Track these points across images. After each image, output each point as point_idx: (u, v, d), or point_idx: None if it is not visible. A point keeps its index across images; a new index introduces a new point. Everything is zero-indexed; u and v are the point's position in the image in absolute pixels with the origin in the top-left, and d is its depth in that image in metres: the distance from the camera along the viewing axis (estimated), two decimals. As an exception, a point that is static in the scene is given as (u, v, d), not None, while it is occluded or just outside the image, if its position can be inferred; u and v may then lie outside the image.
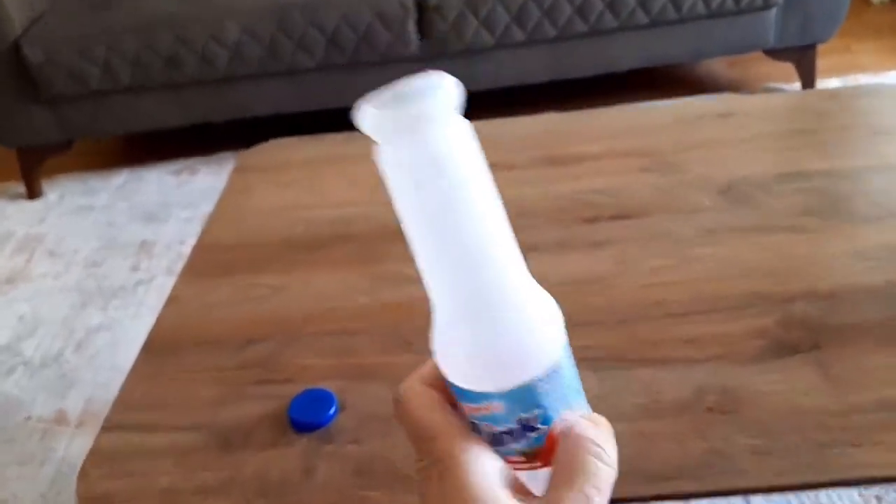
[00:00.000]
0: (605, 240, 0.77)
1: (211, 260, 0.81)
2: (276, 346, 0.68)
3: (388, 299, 0.72)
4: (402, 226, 0.29)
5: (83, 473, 0.56)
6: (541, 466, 0.30)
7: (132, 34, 1.74)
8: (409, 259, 0.79)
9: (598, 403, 0.57)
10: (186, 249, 1.67)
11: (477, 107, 2.44)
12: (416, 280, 0.73)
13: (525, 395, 0.28)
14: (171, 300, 0.75)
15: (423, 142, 0.26)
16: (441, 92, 0.25)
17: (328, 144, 1.04)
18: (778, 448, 0.52)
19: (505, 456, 0.30)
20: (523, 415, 0.29)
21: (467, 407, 0.30)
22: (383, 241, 0.81)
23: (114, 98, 1.83)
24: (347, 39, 1.80)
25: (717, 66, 2.33)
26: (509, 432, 0.29)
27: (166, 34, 1.75)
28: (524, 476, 0.30)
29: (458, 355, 0.29)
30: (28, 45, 1.73)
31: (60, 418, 1.25)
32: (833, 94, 1.05)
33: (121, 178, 2.01)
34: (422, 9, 1.81)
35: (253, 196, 0.93)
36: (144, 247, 1.71)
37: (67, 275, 1.63)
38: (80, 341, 1.43)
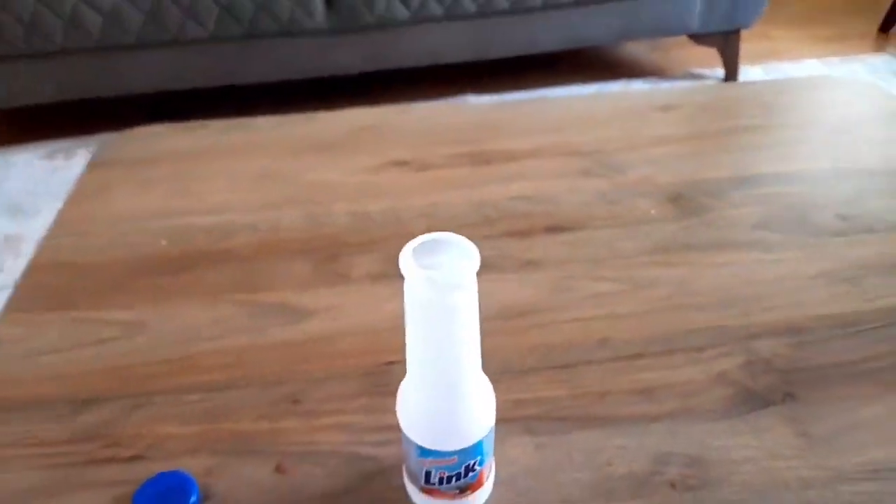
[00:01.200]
0: (539, 258, 0.65)
1: (45, 287, 0.63)
2: (122, 409, 0.52)
3: (273, 339, 0.57)
4: (406, 328, 0.37)
5: None
6: (469, 494, 0.43)
7: (-17, -7, 1.48)
8: (299, 285, 0.63)
9: (535, 480, 0.45)
10: (57, 247, 1.45)
11: (388, 87, 2.27)
12: (308, 314, 0.59)
13: (473, 450, 0.41)
14: (-15, 344, 0.57)
15: (451, 300, 0.36)
16: (470, 265, 0.35)
17: (207, 133, 0.87)
18: (759, 542, 0.42)
19: (446, 492, 0.42)
20: (469, 462, 0.41)
21: (428, 461, 0.41)
22: (269, 259, 0.66)
23: (-36, 68, 1.56)
24: (244, 8, 1.60)
25: (640, 50, 2.27)
26: (457, 476, 0.41)
27: (27, -6, 1.49)
28: None
29: (431, 427, 0.40)
30: None
31: None
32: (779, 86, 0.97)
33: (-21, 162, 1.74)
34: (330, -24, 1.63)
35: (109, 199, 0.75)
36: (9, 244, 1.47)
37: None
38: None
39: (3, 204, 1.59)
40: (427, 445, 0.40)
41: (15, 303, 0.62)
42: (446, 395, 0.39)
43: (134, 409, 0.52)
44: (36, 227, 1.51)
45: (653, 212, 0.70)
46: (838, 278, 0.61)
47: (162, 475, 0.46)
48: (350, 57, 1.73)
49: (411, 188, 0.75)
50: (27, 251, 1.45)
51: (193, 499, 0.45)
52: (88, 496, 0.46)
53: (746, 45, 2.10)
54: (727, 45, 1.97)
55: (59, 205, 1.56)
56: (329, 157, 0.81)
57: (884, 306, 0.58)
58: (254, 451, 0.49)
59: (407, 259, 0.34)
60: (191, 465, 0.47)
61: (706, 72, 2.10)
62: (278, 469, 0.47)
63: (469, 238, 0.37)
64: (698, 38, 1.96)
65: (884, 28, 2.30)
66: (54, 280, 0.64)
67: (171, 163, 0.80)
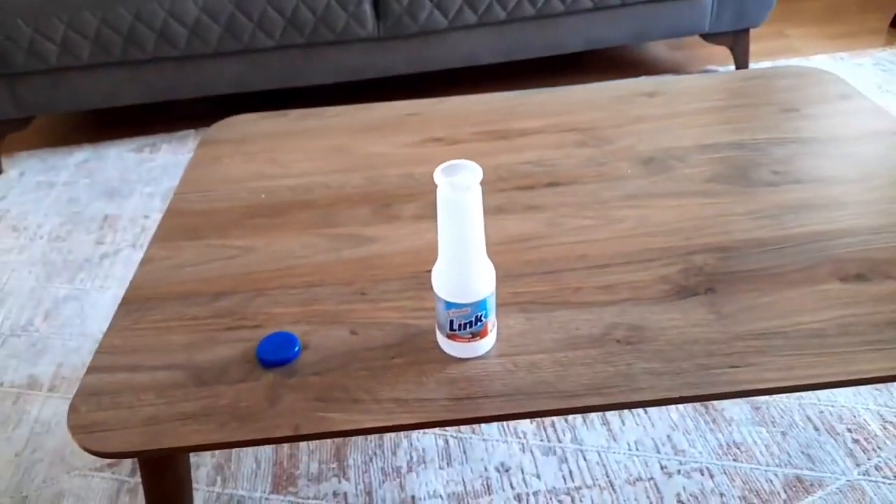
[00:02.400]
0: (539, 205, 0.87)
1: (180, 225, 0.88)
2: (244, 299, 0.75)
3: (345, 257, 0.81)
4: (438, 222, 0.62)
5: (73, 408, 0.64)
6: (479, 340, 0.65)
7: (91, 10, 1.76)
8: (363, 223, 0.89)
9: (524, 338, 0.67)
10: (150, 223, 1.72)
11: (429, 86, 2.53)
12: (370, 240, 0.83)
13: (480, 304, 0.63)
14: (145, 261, 0.82)
15: (464, 197, 0.60)
16: (476, 175, 0.59)
17: (288, 120, 1.11)
18: (670, 370, 0.63)
19: (462, 336, 0.65)
20: (479, 313, 0.64)
21: (451, 312, 0.64)
22: (340, 207, 0.89)
23: (72, 75, 1.85)
24: (305, 20, 1.86)
25: (659, 49, 2.45)
26: (469, 323, 0.64)
27: (125, 11, 1.77)
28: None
29: (451, 286, 0.63)
30: (-16, 21, 1.73)
31: (32, 383, 1.31)
32: (748, 74, 1.16)
33: (82, 155, 2.04)
34: (378, -10, 1.87)
35: (218, 167, 0.99)
36: (108, 221, 1.75)
37: (32, 248, 1.67)
38: (48, 311, 1.47)
39: (101, 189, 1.88)
40: (450, 299, 0.62)
41: (159, 235, 0.87)
42: (462, 263, 0.61)
43: (252, 298, 0.76)
44: (129, 207, 1.80)
45: (629, 171, 0.91)
46: (763, 215, 0.81)
47: (275, 334, 0.70)
48: (396, 60, 1.97)
49: (444, 157, 0.97)
50: (123, 226, 1.73)
51: (297, 347, 0.68)
52: (227, 347, 0.70)
53: (761, 42, 2.27)
54: (737, 44, 2.14)
55: (148, 189, 1.85)
56: (381, 135, 1.04)
57: (793, 234, 0.78)
58: (335, 321, 0.72)
59: (438, 173, 0.57)
60: (294, 330, 0.71)
61: (720, 69, 2.28)
62: (352, 332, 0.70)
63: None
64: (710, 37, 2.14)
65: (895, 23, 2.43)
66: (186, 221, 0.89)
67: (263, 141, 1.05)
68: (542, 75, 2.27)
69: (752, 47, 2.17)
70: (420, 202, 0.89)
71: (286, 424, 0.61)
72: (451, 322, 0.63)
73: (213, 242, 0.84)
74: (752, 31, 2.14)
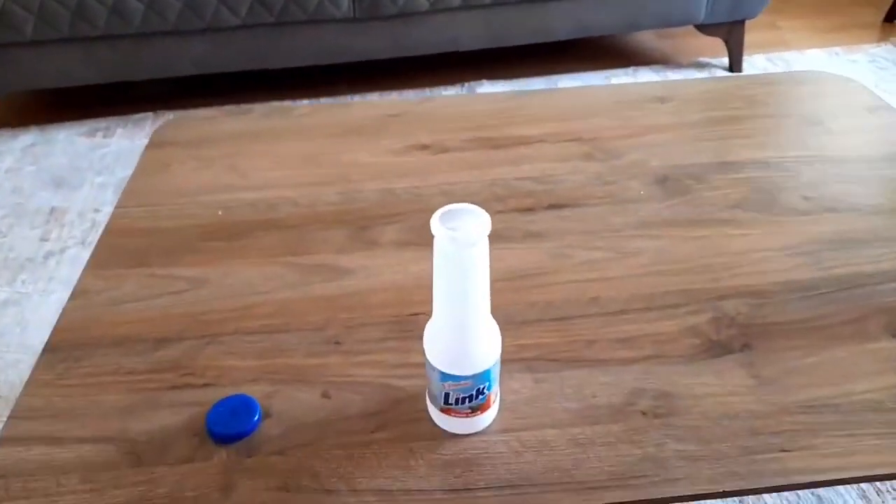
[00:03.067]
0: (541, 231, 0.75)
1: (121, 248, 0.74)
2: (193, 347, 0.63)
3: (316, 294, 0.68)
4: (434, 278, 0.49)
5: (-26, 496, 0.51)
6: (479, 414, 0.54)
7: (33, -19, 1.58)
8: (337, 249, 0.75)
9: (532, 407, 0.56)
10: (101, 218, 1.57)
11: (410, 72, 2.37)
12: (345, 272, 0.70)
13: (483, 376, 0.52)
14: (77, 294, 0.69)
15: (468, 254, 0.47)
16: (483, 228, 0.47)
17: (251, 118, 0.98)
18: (709, 455, 0.52)
19: (460, 411, 0.53)
20: (481, 386, 0.53)
21: (448, 385, 0.52)
22: (311, 229, 0.77)
23: (16, 51, 1.67)
24: (275, -4, 1.70)
25: (647, 38, 2.34)
26: (469, 397, 0.53)
27: (72, -18, 1.59)
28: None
29: (450, 355, 0.52)
30: None
31: (-39, 404, 1.16)
32: (765, 80, 1.06)
33: (28, 139, 1.86)
34: (355, -33, 1.72)
35: (168, 175, 0.86)
36: (55, 214, 1.59)
37: (-35, 246, 1.50)
38: (-18, 320, 1.32)
39: (48, 178, 1.71)
40: (447, 371, 0.51)
41: (95, 261, 0.73)
42: (463, 329, 0.50)
43: (203, 346, 0.63)
44: (79, 199, 1.63)
45: (642, 192, 0.80)
46: (799, 251, 0.71)
47: (230, 398, 0.58)
48: (373, 44, 1.82)
49: (432, 169, 0.85)
50: (71, 220, 1.57)
51: (256, 416, 0.56)
52: (170, 413, 0.57)
53: (754, 34, 2.17)
54: (732, 36, 2.04)
55: (100, 179, 1.68)
56: (360, 141, 0.91)
57: (836, 275, 0.68)
58: (304, 380, 0.60)
59: (435, 222, 0.45)
60: (253, 391, 0.59)
61: (712, 60, 2.18)
62: (324, 395, 0.58)
63: None
64: (704, 28, 2.03)
65: (888, 18, 2.36)
66: (128, 243, 0.75)
67: (222, 144, 0.91)
68: (527, 63, 2.14)
69: (745, 39, 2.07)
70: (402, 224, 0.77)
71: (241, 524, 0.49)
72: (447, 395, 0.52)
73: (158, 272, 0.71)
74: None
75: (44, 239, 1.52)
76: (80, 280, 0.70)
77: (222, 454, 0.54)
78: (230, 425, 0.55)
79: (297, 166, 0.87)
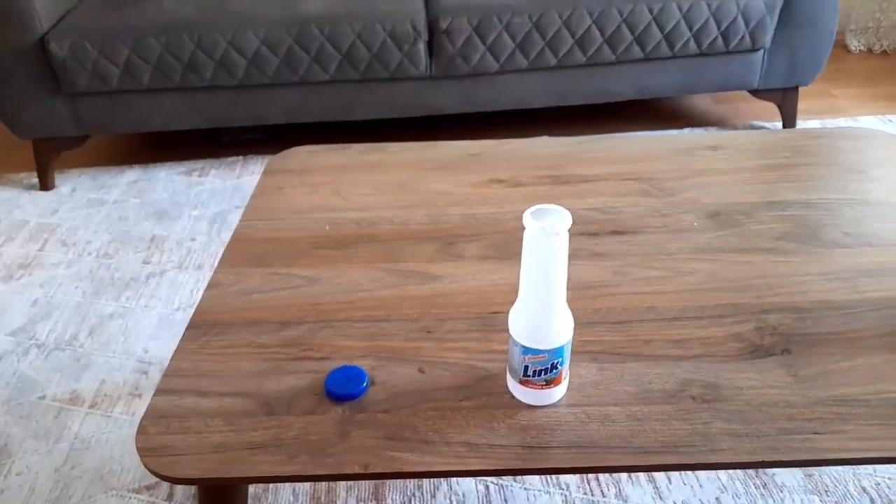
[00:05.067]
0: (604, 252, 0.86)
1: (246, 251, 0.89)
2: (311, 329, 0.75)
3: (410, 293, 0.80)
4: (522, 265, 0.62)
5: (142, 430, 0.64)
6: (552, 387, 0.65)
7: (155, 37, 1.82)
8: (427, 259, 0.88)
9: (596, 388, 0.66)
10: (196, 246, 1.75)
11: (476, 125, 2.56)
12: (434, 277, 0.82)
13: (557, 351, 0.63)
14: (212, 285, 0.83)
15: (554, 242, 0.59)
16: (566, 222, 0.58)
17: (350, 153, 1.13)
18: (751, 432, 0.61)
19: (536, 382, 0.64)
20: (555, 361, 0.63)
21: (527, 358, 0.63)
22: (404, 243, 0.90)
23: (132, 97, 1.91)
24: (361, 56, 1.90)
25: (705, 102, 2.46)
26: (545, 370, 0.63)
27: (188, 39, 1.83)
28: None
29: (532, 331, 0.63)
30: (54, 40, 1.80)
31: (74, 399, 1.31)
32: (812, 133, 1.16)
33: (133, 175, 2.08)
34: (433, 32, 1.91)
35: (282, 196, 1.01)
36: (155, 242, 1.78)
37: (80, 264, 1.70)
38: (94, 327, 1.49)
39: (151, 210, 1.92)
40: (528, 345, 0.61)
41: (225, 261, 0.87)
42: (545, 308, 0.61)
43: (319, 329, 0.76)
44: (177, 229, 1.82)
45: (695, 224, 0.91)
46: (837, 277, 0.80)
47: (343, 367, 0.70)
48: (447, 99, 2.00)
49: (507, 199, 0.98)
50: (170, 247, 1.75)
51: (365, 383, 0.68)
52: (294, 378, 0.69)
53: (807, 101, 2.27)
54: (785, 101, 2.14)
55: (196, 212, 1.87)
56: (445, 174, 1.05)
57: (871, 298, 0.77)
58: (402, 358, 0.71)
59: (527, 217, 0.57)
60: (361, 364, 0.70)
61: (766, 124, 2.27)
62: (420, 370, 0.70)
63: None
64: (759, 93, 2.14)
65: (944, 90, 2.42)
66: (251, 248, 0.90)
67: (327, 173, 1.06)
68: (589, 121, 2.29)
69: (799, 105, 2.16)
70: (483, 242, 0.89)
71: (356, 461, 0.60)
72: (526, 367, 0.63)
73: (278, 271, 0.85)
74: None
75: (146, 262, 1.70)
76: (213, 275, 0.84)
77: (338, 410, 0.65)
78: (345, 387, 0.67)
79: (392, 193, 1.01)
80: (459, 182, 1.03)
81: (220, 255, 1.70)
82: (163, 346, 1.43)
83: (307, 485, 1.08)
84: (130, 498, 1.12)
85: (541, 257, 0.58)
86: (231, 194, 1.97)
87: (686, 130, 2.26)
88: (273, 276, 0.84)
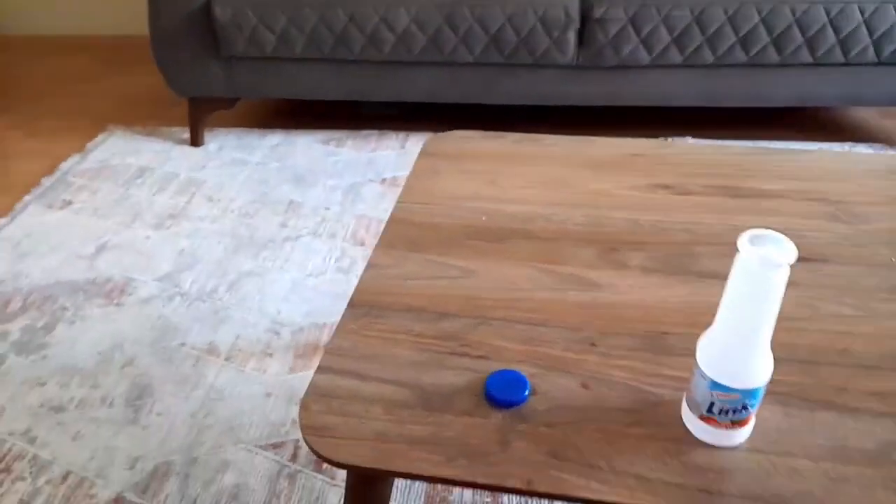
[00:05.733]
0: (789, 280, 0.78)
1: (403, 235, 0.88)
2: (468, 325, 0.73)
3: (570, 299, 0.77)
4: (727, 292, 0.56)
5: (305, 406, 0.64)
6: (737, 429, 0.59)
7: (311, 8, 1.86)
8: (587, 265, 0.84)
9: (783, 436, 0.60)
10: (330, 215, 1.78)
11: (612, 120, 2.46)
12: (595, 285, 0.78)
13: (752, 393, 0.57)
14: (372, 265, 0.82)
15: (770, 276, 0.54)
16: (789, 255, 0.53)
17: (506, 142, 1.10)
18: (972, 514, 0.53)
19: (721, 422, 0.58)
20: (747, 402, 0.58)
21: (716, 394, 0.57)
22: (563, 243, 0.86)
23: (283, 65, 1.96)
24: (508, 40, 1.86)
25: (870, 115, 2.24)
26: (733, 410, 0.58)
27: (342, 12, 1.85)
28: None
29: (727, 367, 0.57)
30: (219, 5, 1.88)
31: (212, 349, 1.38)
32: None
33: (275, 139, 2.16)
34: (585, 19, 1.84)
35: (438, 181, 0.99)
36: (292, 206, 1.83)
37: (223, 220, 1.78)
38: (232, 282, 1.56)
39: (290, 175, 1.98)
40: (719, 380, 0.56)
41: (384, 240, 0.87)
42: (747, 345, 0.55)
43: (476, 325, 0.73)
44: (313, 197, 1.87)
45: (893, 259, 0.81)
46: None
47: (504, 371, 0.67)
48: (590, 91, 1.93)
49: (674, 207, 0.92)
50: (305, 214, 1.80)
51: (527, 391, 0.65)
52: (453, 374, 0.68)
53: None
54: (976, 122, 1.91)
55: (331, 182, 1.91)
56: (605, 174, 1.00)
57: None
58: (564, 370, 0.68)
59: (744, 242, 0.52)
60: (521, 370, 0.68)
61: (946, 146, 2.04)
62: (584, 385, 0.66)
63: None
64: (943, 111, 1.92)
65: None
66: (408, 231, 0.89)
67: (482, 161, 1.04)
68: (734, 124, 2.14)
69: None
70: (648, 253, 0.84)
71: (518, 475, 0.57)
72: (712, 404, 0.58)
73: (434, 258, 0.83)
74: None
75: (283, 225, 1.76)
76: (372, 254, 0.84)
77: (498, 416, 0.63)
78: (506, 393, 0.64)
79: (549, 188, 0.97)
80: (621, 183, 0.98)
81: (352, 227, 1.74)
82: (294, 309, 1.47)
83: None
84: (257, 453, 1.16)
85: (754, 289, 0.53)
86: (365, 167, 2.00)
87: (847, 146, 2.07)
88: (430, 263, 0.83)
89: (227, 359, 1.36)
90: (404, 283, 0.80)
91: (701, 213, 0.91)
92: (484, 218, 0.91)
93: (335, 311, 1.47)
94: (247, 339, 1.40)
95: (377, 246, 0.86)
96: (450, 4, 1.83)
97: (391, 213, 0.92)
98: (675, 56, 1.85)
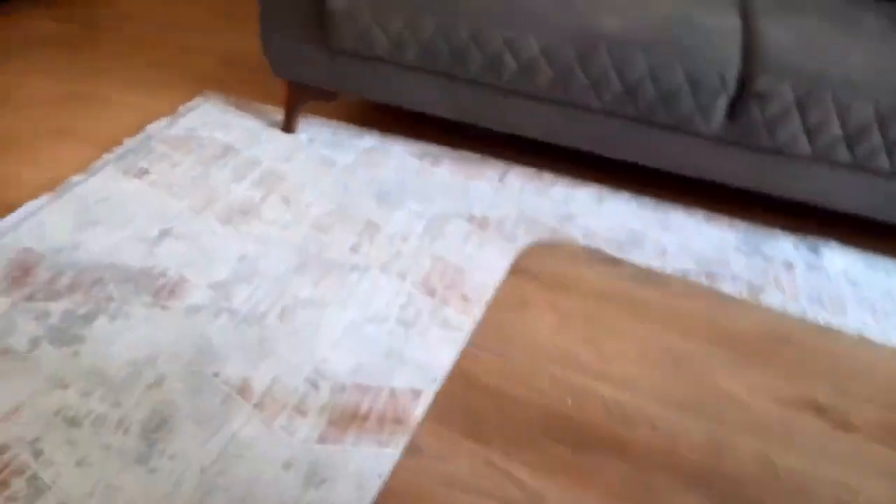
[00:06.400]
0: None
1: (462, 405, 0.70)
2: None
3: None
4: None
5: None
6: None
7: (432, 18, 1.67)
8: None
9: None
10: (406, 248, 1.62)
11: (741, 200, 2.07)
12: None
13: None
14: (412, 449, 0.65)
15: None
16: None
17: (619, 273, 0.89)
18: None
19: None
20: None
21: None
22: (664, 475, 0.65)
23: (391, 69, 1.79)
24: (646, 93, 1.61)
25: None
26: None
27: (464, 27, 1.65)
28: None
29: None
30: (338, -6, 1.71)
31: (244, 388, 1.26)
32: None
33: (369, 142, 2.00)
34: (742, 89, 1.56)
35: (524, 321, 0.80)
36: (369, 228, 1.68)
37: (295, 228, 1.65)
38: (286, 309, 1.43)
39: (376, 188, 1.82)
40: None
41: (436, 411, 0.69)
42: None
43: None
44: (393, 221, 1.71)
45: None
46: None
47: None
48: (730, 169, 1.66)
49: (828, 450, 0.69)
50: (380, 242, 1.64)
51: None
52: None
53: None
54: None
55: (417, 207, 1.73)
56: (740, 363, 0.78)
57: None
58: None
59: None
60: None
61: None
62: None
63: None
64: None
65: None
66: (471, 401, 0.70)
67: (582, 298, 0.83)
68: (887, 235, 1.81)
69: None
70: (777, 516, 0.62)
71: None
72: None
73: (496, 460, 0.65)
74: None
75: (354, 250, 1.61)
76: (415, 433, 0.67)
77: None
78: None
79: (664, 369, 0.76)
80: (758, 386, 0.75)
81: (426, 269, 1.56)
82: (341, 359, 1.33)
83: None
84: None
85: None
86: (457, 196, 1.82)
87: None
88: (488, 468, 0.64)
89: (256, 405, 1.23)
90: (448, 496, 0.62)
91: (867, 467, 0.68)
92: (570, 401, 0.71)
93: (384, 374, 1.32)
94: (283, 386, 1.27)
95: (427, 415, 0.68)
96: (587, 41, 1.59)
97: (456, 360, 0.74)
98: (844, 155, 1.55)
